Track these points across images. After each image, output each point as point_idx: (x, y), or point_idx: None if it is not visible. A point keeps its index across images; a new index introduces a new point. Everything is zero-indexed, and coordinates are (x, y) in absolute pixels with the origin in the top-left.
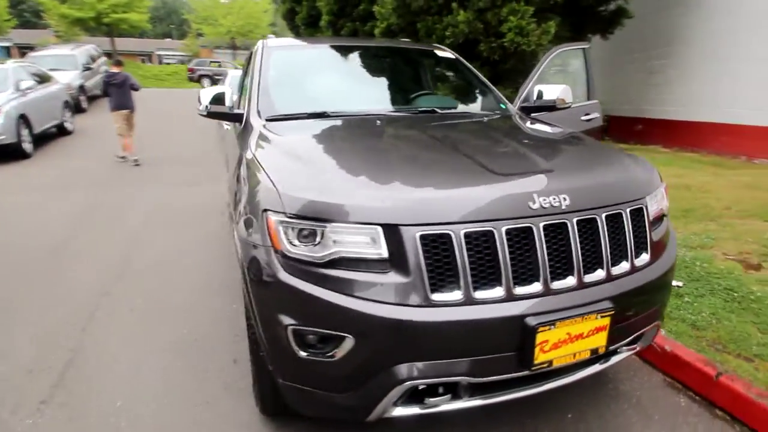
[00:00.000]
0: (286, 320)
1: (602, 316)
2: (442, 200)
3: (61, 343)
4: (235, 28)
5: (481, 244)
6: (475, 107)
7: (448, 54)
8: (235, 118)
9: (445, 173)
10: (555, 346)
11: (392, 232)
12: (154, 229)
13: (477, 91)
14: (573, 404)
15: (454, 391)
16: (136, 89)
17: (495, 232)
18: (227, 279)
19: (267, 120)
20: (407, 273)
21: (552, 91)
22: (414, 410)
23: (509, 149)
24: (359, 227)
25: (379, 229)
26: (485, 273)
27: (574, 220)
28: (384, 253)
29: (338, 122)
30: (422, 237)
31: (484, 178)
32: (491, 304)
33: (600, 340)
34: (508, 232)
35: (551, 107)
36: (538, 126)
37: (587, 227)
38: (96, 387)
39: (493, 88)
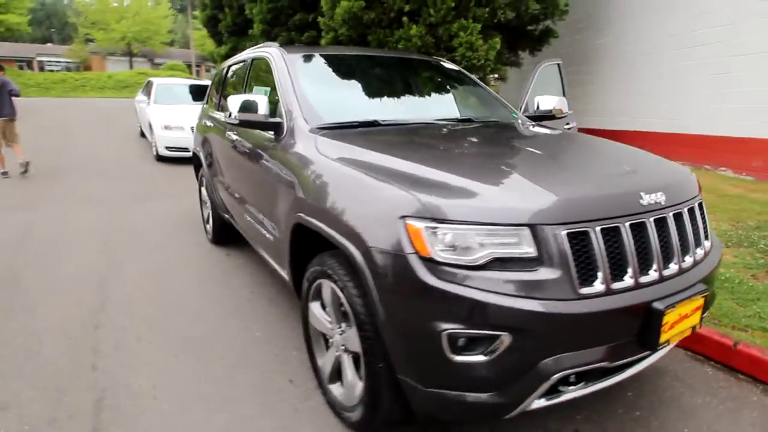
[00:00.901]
0: (441, 326)
1: (701, 297)
2: (581, 201)
3: (77, 383)
4: (131, 34)
5: (611, 239)
6: (499, 116)
7: (454, 66)
8: (271, 127)
9: (565, 176)
10: (671, 326)
11: (540, 231)
12: (117, 254)
13: (493, 101)
14: (628, 383)
15: (584, 378)
16: (16, 95)
17: (621, 227)
18: (230, 301)
19: (319, 129)
20: (556, 269)
21: (549, 102)
22: (551, 401)
23: (583, 153)
24: (509, 229)
25: (527, 229)
26: (616, 265)
27: (670, 213)
28: (533, 251)
29: (402, 130)
30: (568, 235)
31: (601, 179)
32: (625, 293)
33: (696, 319)
34: (630, 226)
35: (551, 117)
36: (565, 132)
37: (677, 220)
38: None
39: (500, 97)
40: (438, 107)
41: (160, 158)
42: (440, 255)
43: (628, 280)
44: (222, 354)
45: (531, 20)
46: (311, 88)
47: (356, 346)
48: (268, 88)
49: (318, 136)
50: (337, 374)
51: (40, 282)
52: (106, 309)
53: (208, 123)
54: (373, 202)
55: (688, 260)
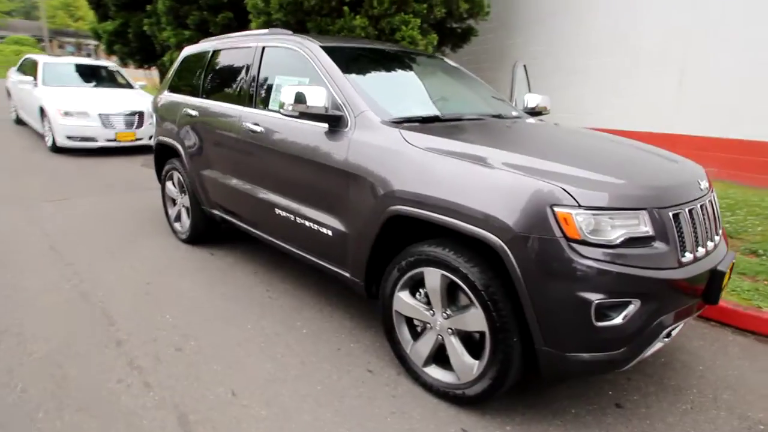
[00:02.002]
0: (590, 297)
1: (733, 264)
2: (676, 188)
3: (143, 404)
4: None
5: (689, 217)
6: (514, 112)
7: (455, 64)
8: (330, 120)
9: (649, 167)
10: (724, 287)
11: (653, 214)
12: (78, 262)
13: (499, 98)
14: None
15: (670, 333)
16: None
17: (696, 208)
18: (253, 302)
19: (394, 122)
20: (665, 244)
21: (534, 99)
22: (650, 352)
23: (624, 145)
24: (633, 213)
25: (645, 212)
26: (695, 239)
27: (709, 198)
28: (650, 230)
29: (474, 125)
30: (672, 216)
31: (678, 169)
32: (703, 260)
33: (727, 281)
34: (700, 207)
35: (539, 113)
36: (579, 128)
37: (712, 202)
38: None
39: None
40: (471, 104)
41: (57, 149)
42: (588, 237)
43: (701, 250)
44: (283, 353)
45: (457, 19)
46: (364, 83)
47: (478, 326)
48: (303, 79)
49: (401, 129)
50: (433, 357)
51: (12, 302)
52: (115, 323)
53: (192, 112)
54: (512, 193)
55: (718, 237)
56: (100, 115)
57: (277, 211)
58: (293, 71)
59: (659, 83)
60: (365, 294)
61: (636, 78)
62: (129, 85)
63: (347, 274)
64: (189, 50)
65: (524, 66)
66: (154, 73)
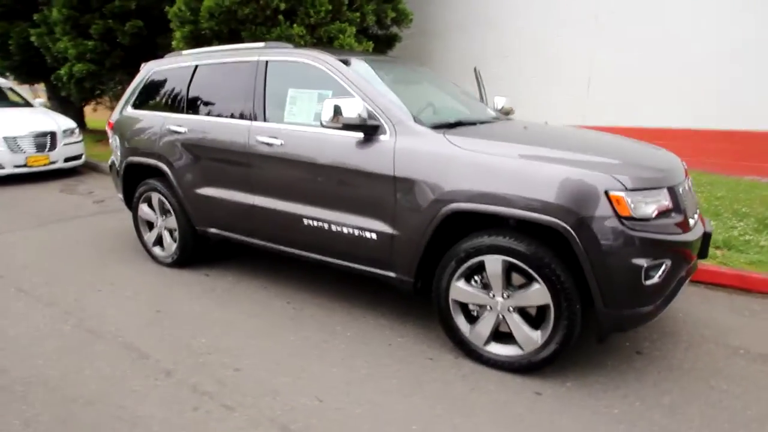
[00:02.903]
0: (641, 262)
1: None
2: (676, 169)
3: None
4: None
5: (685, 192)
6: (498, 114)
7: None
8: (367, 129)
9: (652, 154)
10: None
11: (670, 190)
12: (62, 294)
13: (483, 101)
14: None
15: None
16: None
17: (685, 185)
18: (279, 316)
19: (434, 127)
20: (679, 213)
21: (501, 102)
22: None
23: (619, 138)
24: (659, 191)
25: (666, 190)
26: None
27: (688, 178)
28: (670, 204)
29: (498, 127)
30: (681, 191)
31: (667, 155)
32: (697, 226)
33: None
34: (687, 185)
35: (507, 113)
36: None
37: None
38: None
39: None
40: (472, 108)
41: None
42: (635, 213)
43: (693, 220)
44: (342, 357)
45: (383, 26)
46: (389, 92)
47: (541, 300)
48: (325, 92)
49: (445, 134)
50: (493, 336)
51: (13, 353)
52: (149, 355)
53: (180, 129)
54: (571, 183)
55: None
56: (5, 138)
57: (306, 221)
58: (308, 84)
59: (572, 83)
60: (412, 291)
61: (551, 79)
62: (28, 104)
63: (392, 275)
64: (156, 66)
65: (477, 70)
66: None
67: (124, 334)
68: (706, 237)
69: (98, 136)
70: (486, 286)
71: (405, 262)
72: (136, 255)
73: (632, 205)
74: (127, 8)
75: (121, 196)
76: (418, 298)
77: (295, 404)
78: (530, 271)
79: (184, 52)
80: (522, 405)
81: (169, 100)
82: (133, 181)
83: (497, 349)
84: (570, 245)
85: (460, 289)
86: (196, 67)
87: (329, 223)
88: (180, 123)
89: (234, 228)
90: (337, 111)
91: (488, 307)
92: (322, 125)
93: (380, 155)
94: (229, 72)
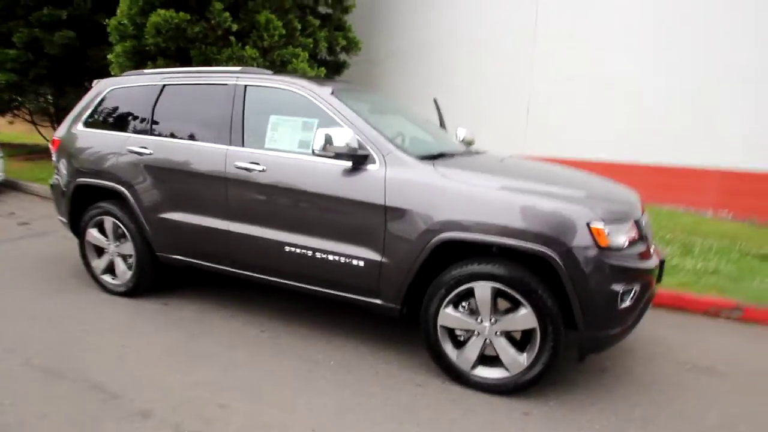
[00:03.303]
0: (617, 287)
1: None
2: (637, 202)
3: None
4: None
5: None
6: (469, 146)
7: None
8: (355, 158)
9: (617, 189)
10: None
11: (637, 222)
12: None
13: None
14: None
15: None
16: None
17: (644, 218)
18: (254, 344)
19: (420, 158)
20: (643, 243)
21: (463, 132)
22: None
23: (584, 173)
24: (628, 223)
25: (633, 221)
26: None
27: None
28: (636, 235)
29: (480, 160)
30: (643, 223)
31: (628, 190)
32: (654, 255)
33: None
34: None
35: (469, 144)
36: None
37: None
38: None
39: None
40: (444, 140)
41: None
42: (612, 243)
43: (653, 247)
44: (328, 386)
45: (333, 53)
46: (374, 123)
47: (528, 324)
48: (310, 120)
49: (435, 166)
50: (480, 360)
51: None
52: (120, 395)
53: (143, 150)
54: (555, 215)
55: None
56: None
57: (288, 249)
58: (291, 111)
59: (510, 113)
60: (397, 317)
61: (489, 109)
62: None
63: (378, 302)
64: (114, 84)
65: (436, 101)
66: None
67: (87, 372)
68: (662, 264)
69: (13, 151)
70: (473, 312)
71: (393, 289)
72: (81, 283)
73: (609, 236)
74: (57, 17)
75: (64, 219)
76: (401, 324)
77: None
78: (518, 297)
79: (146, 71)
80: (514, 426)
81: (131, 120)
82: (82, 203)
83: (484, 373)
84: (553, 272)
85: (449, 316)
86: (164, 87)
87: (313, 250)
88: (144, 144)
89: (203, 255)
90: (328, 140)
91: (476, 332)
92: (313, 153)
93: (369, 184)
94: (202, 94)
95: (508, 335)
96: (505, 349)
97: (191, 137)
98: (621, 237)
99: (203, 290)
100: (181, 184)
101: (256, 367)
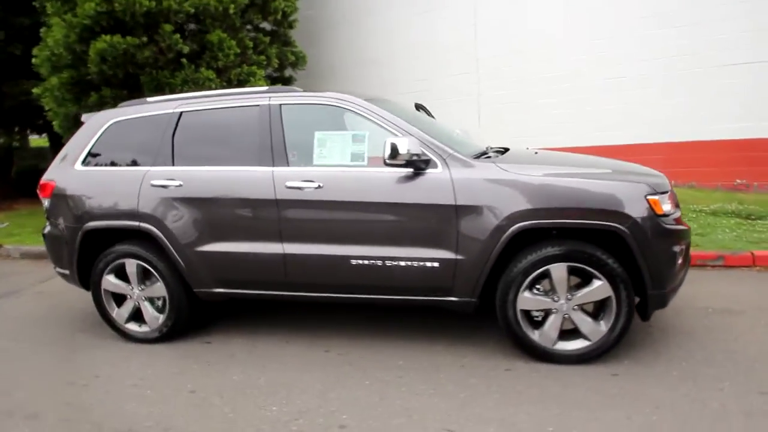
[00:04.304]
0: (676, 248)
1: None
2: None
3: None
4: None
5: None
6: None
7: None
8: (416, 165)
9: (638, 167)
10: None
11: (668, 194)
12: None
13: None
14: None
15: None
16: None
17: None
18: (325, 365)
19: (476, 158)
20: (678, 211)
21: (462, 132)
22: None
23: (595, 157)
24: (670, 193)
25: (670, 192)
26: None
27: None
28: (674, 203)
29: (524, 154)
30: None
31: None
32: None
33: None
34: None
35: None
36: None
37: None
38: None
39: None
40: (467, 140)
41: None
42: (666, 211)
43: None
44: (427, 390)
45: (280, 69)
46: (425, 129)
47: (604, 294)
48: (362, 132)
49: (495, 163)
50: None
51: None
52: None
53: (171, 183)
54: (618, 193)
55: None
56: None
57: (355, 261)
58: (334, 126)
59: (462, 113)
60: (471, 311)
61: (441, 111)
62: None
63: (454, 299)
64: (116, 116)
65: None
66: None
67: (169, 427)
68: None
69: None
70: (547, 292)
71: (468, 285)
72: (95, 336)
73: (663, 206)
74: None
75: (66, 271)
76: (451, 318)
77: None
78: (593, 270)
79: (149, 99)
80: (612, 387)
81: (146, 153)
82: (92, 251)
83: (567, 346)
84: (618, 243)
85: (528, 299)
86: (181, 114)
87: (383, 259)
88: (170, 176)
89: (253, 283)
90: (394, 149)
91: (553, 310)
92: (385, 164)
93: (436, 187)
94: (229, 118)
95: (582, 308)
96: (584, 320)
97: (225, 163)
98: (668, 205)
99: (241, 321)
100: (221, 212)
101: (347, 387)
